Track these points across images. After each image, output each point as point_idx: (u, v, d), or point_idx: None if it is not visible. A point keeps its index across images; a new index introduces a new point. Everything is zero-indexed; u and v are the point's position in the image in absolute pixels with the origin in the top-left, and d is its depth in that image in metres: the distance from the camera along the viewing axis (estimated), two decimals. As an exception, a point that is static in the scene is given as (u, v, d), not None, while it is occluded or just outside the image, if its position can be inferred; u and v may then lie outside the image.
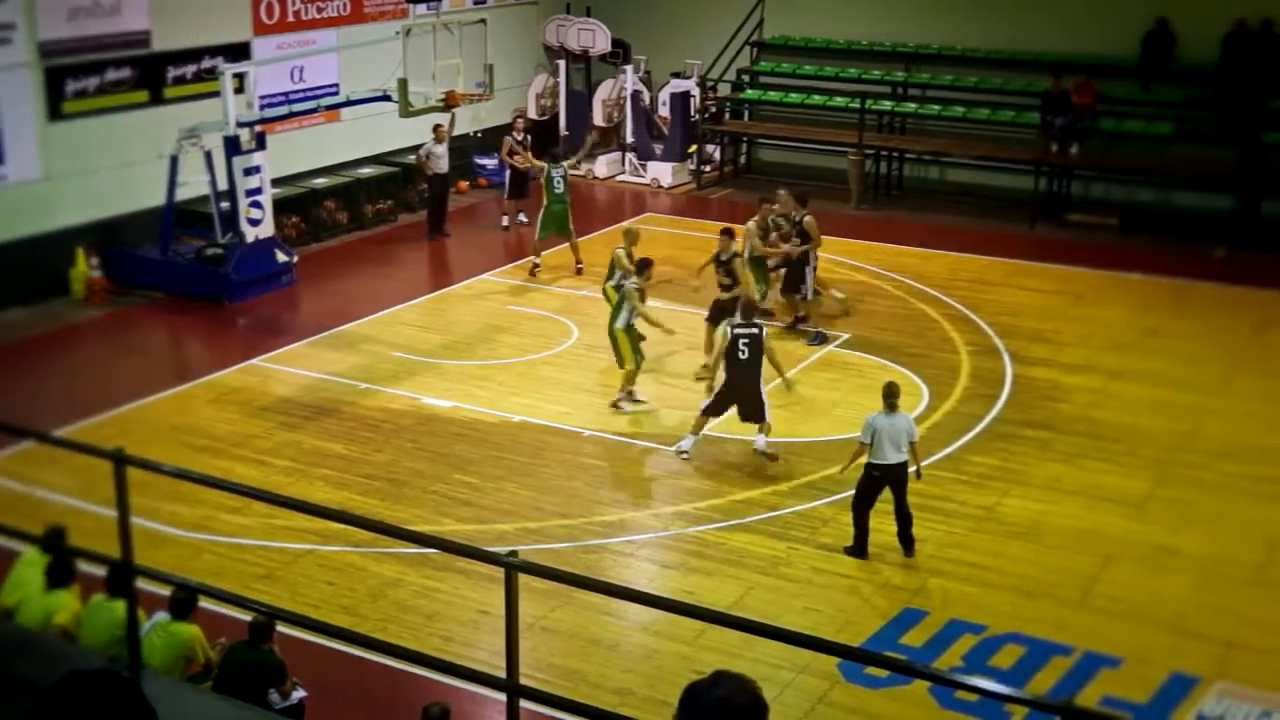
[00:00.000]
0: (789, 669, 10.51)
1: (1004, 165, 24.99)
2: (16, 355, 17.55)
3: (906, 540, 12.53)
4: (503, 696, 5.90)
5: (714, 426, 14.78)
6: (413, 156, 23.97)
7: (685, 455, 14.44)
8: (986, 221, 23.87)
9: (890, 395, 12.36)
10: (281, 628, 9.39)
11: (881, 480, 12.34)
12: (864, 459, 12.39)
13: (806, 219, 17.88)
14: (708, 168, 27.18)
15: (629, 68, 27.32)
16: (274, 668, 9.24)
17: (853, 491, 12.57)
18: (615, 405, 15.75)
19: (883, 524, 13.03)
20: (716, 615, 6.64)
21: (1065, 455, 14.67)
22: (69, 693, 3.23)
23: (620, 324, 15.61)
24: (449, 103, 19.05)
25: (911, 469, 12.48)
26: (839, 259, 20.82)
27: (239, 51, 21.61)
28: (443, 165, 23.08)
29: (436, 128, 22.80)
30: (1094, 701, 10.13)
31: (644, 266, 15.98)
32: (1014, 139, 25.05)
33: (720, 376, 14.42)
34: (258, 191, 19.89)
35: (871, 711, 10.26)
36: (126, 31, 20.16)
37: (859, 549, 12.46)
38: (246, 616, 9.34)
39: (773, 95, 27.52)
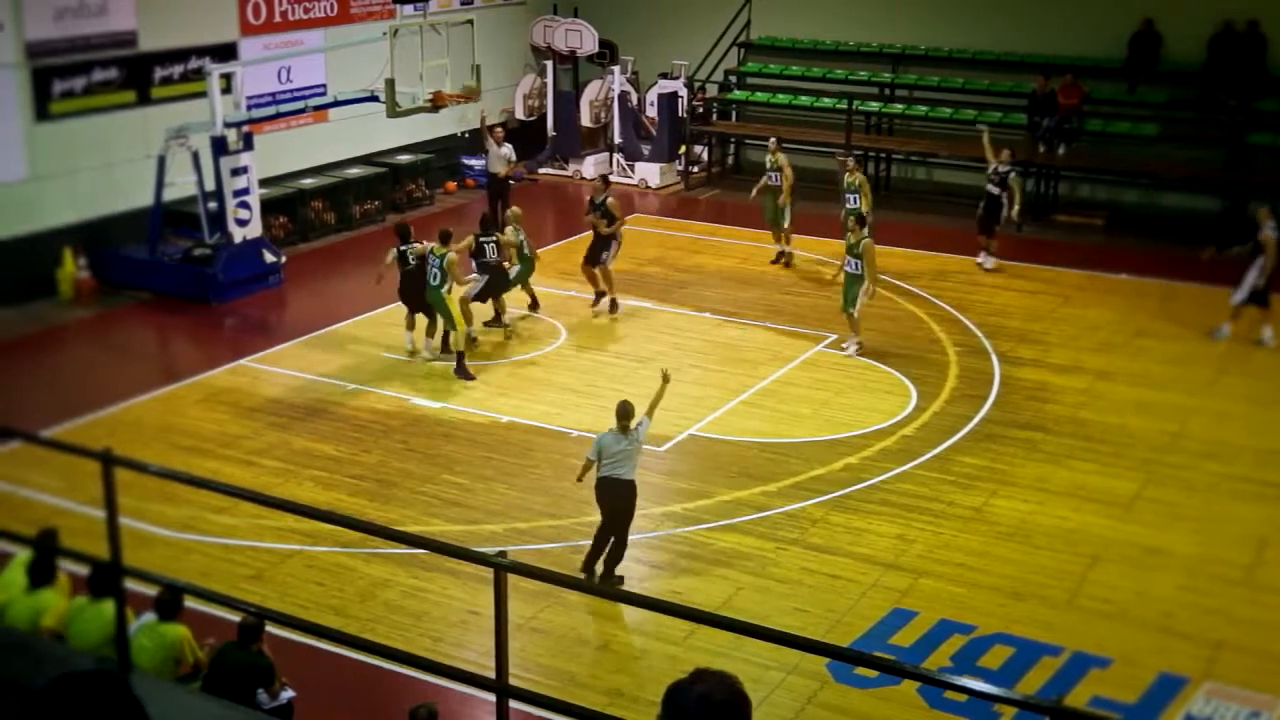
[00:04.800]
0: (778, 669, 10.52)
1: (991, 166, 25.00)
2: (4, 356, 17.52)
3: (611, 558, 12.00)
4: (492, 697, 5.92)
5: (703, 428, 14.86)
6: (401, 157, 24.05)
7: None
8: (974, 222, 23.86)
9: (621, 415, 11.80)
10: (270, 628, 9.37)
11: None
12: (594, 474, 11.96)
13: (609, 200, 18.92)
14: (695, 168, 27.19)
15: (616, 68, 27.31)
16: (263, 668, 9.23)
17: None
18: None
19: (875, 525, 13.06)
20: (705, 616, 6.64)
21: (1053, 456, 14.70)
22: (63, 693, 3.23)
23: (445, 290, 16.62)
24: (436, 103, 19.06)
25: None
26: (826, 259, 20.85)
27: (226, 52, 21.57)
28: (498, 166, 22.55)
29: (492, 129, 22.78)
30: (1083, 702, 10.15)
31: (445, 239, 16.94)
32: (1001, 140, 25.05)
33: None
34: (245, 192, 19.87)
35: (860, 711, 10.27)
36: (113, 32, 20.12)
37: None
38: (235, 617, 9.32)
39: (760, 96, 27.53)
